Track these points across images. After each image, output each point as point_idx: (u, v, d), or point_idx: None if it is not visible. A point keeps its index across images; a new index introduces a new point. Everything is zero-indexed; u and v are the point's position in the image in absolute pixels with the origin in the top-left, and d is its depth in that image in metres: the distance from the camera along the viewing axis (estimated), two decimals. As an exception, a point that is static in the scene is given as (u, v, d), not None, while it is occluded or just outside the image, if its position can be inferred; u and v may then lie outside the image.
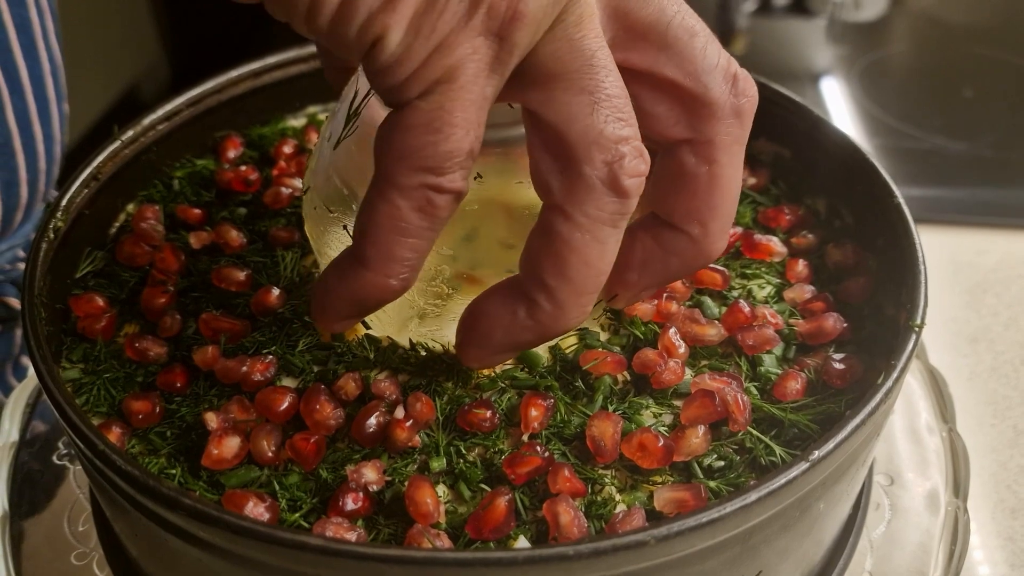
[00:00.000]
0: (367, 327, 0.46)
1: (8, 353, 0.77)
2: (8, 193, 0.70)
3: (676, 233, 0.39)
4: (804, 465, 0.35)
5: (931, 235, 0.85)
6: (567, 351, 0.45)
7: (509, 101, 0.36)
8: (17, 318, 0.77)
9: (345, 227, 0.43)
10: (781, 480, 0.34)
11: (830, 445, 0.35)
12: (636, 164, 0.34)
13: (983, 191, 0.92)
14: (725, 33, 1.28)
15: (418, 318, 0.45)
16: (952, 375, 0.71)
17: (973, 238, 0.85)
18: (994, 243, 0.84)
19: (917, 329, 0.40)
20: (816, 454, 0.35)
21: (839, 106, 1.09)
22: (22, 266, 0.75)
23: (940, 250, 0.83)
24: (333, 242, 0.45)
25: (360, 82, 0.43)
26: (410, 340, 0.45)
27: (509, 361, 0.45)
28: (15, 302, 0.74)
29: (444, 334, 0.45)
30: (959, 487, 0.51)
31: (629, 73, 0.37)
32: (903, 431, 0.55)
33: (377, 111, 0.42)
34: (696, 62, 0.37)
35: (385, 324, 0.45)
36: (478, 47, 0.33)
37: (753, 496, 0.33)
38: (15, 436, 0.55)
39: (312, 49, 0.60)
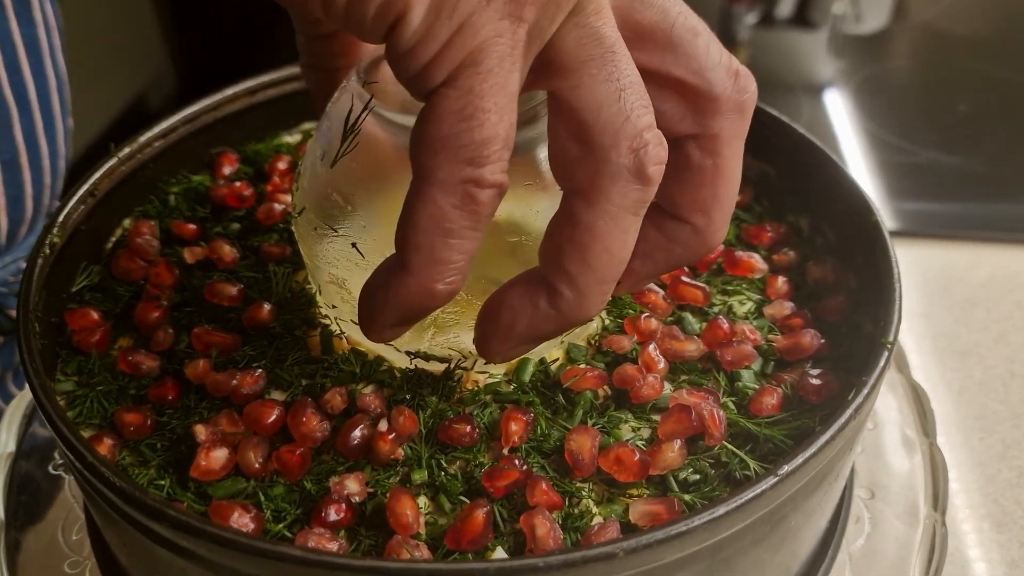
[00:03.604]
0: None
1: (9, 362, 0.78)
2: (14, 208, 0.71)
3: (680, 224, 0.39)
4: (772, 479, 0.35)
5: (924, 249, 0.86)
6: (551, 364, 0.46)
7: (535, 89, 0.36)
8: (8, 349, 0.78)
9: (354, 245, 0.43)
10: (749, 494, 0.35)
11: (799, 460, 0.36)
12: (659, 151, 0.35)
13: (976, 206, 0.92)
14: (727, 45, 1.29)
15: (435, 327, 0.45)
16: (942, 389, 0.71)
17: (965, 252, 0.86)
18: (986, 257, 0.85)
19: (889, 346, 0.41)
20: (785, 469, 0.36)
21: (838, 119, 1.09)
22: None
23: (932, 264, 0.84)
24: (339, 262, 0.45)
25: (355, 97, 0.43)
26: (411, 354, 0.46)
27: (495, 374, 0.46)
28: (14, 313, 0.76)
29: (462, 341, 0.45)
30: (938, 500, 0.51)
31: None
32: (885, 446, 0.55)
33: (374, 123, 0.42)
34: (700, 60, 0.38)
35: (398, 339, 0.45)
36: (502, 30, 0.33)
37: (721, 510, 0.34)
38: (12, 447, 0.56)
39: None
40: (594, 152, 0.35)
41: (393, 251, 0.36)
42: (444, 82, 0.33)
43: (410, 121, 0.37)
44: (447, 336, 0.45)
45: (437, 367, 0.46)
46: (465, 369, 0.46)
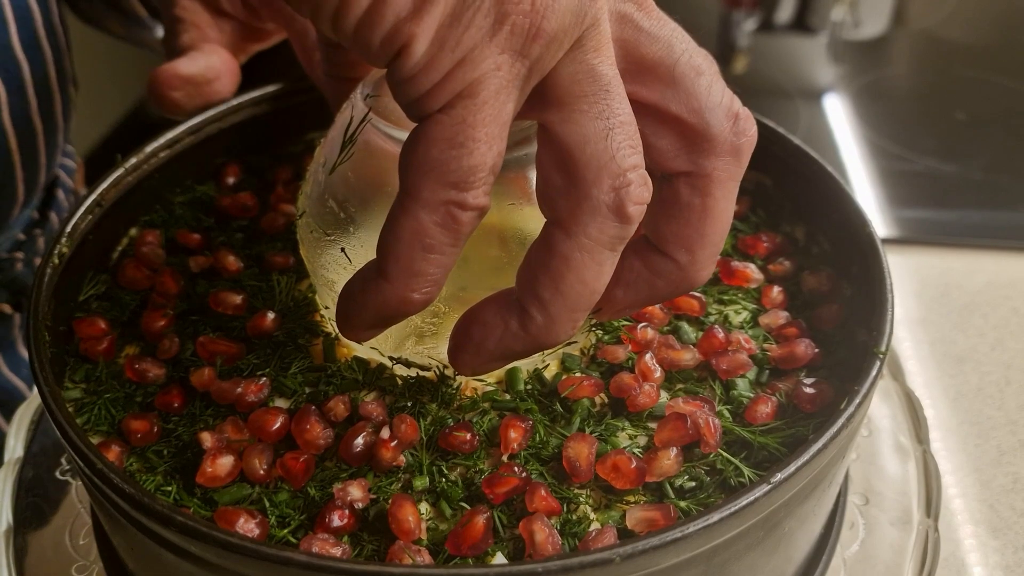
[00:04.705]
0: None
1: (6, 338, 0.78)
2: (2, 193, 0.69)
3: (664, 258, 0.40)
4: (766, 487, 0.36)
5: (922, 256, 0.87)
6: (545, 372, 0.47)
7: (527, 119, 0.37)
8: (9, 321, 0.77)
9: (343, 250, 0.45)
10: (743, 501, 0.36)
11: (792, 468, 0.37)
12: (641, 192, 0.36)
13: (973, 213, 0.93)
14: (727, 51, 1.30)
15: (415, 336, 0.46)
16: (938, 395, 0.72)
17: (963, 259, 0.86)
18: (983, 264, 0.85)
19: (881, 355, 0.42)
20: (778, 476, 0.37)
21: (837, 125, 1.10)
22: (19, 255, 0.75)
23: (930, 271, 0.85)
24: (330, 265, 0.46)
25: (356, 108, 0.44)
26: (393, 359, 0.47)
27: (491, 383, 0.46)
28: (7, 307, 0.75)
29: (440, 351, 0.46)
30: (931, 506, 0.52)
31: (635, 105, 0.38)
32: (879, 452, 0.56)
33: (373, 136, 0.44)
34: (701, 99, 0.38)
35: (381, 342, 0.47)
36: (501, 64, 0.33)
37: (716, 516, 0.35)
38: (20, 452, 0.57)
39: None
40: (576, 186, 0.35)
41: None
42: (440, 109, 0.34)
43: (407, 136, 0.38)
44: (426, 346, 0.46)
45: (432, 373, 0.47)
46: (449, 377, 0.46)
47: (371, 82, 0.45)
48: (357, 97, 0.45)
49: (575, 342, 0.47)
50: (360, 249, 0.44)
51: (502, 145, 0.35)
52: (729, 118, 0.38)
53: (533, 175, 0.42)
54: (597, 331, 0.49)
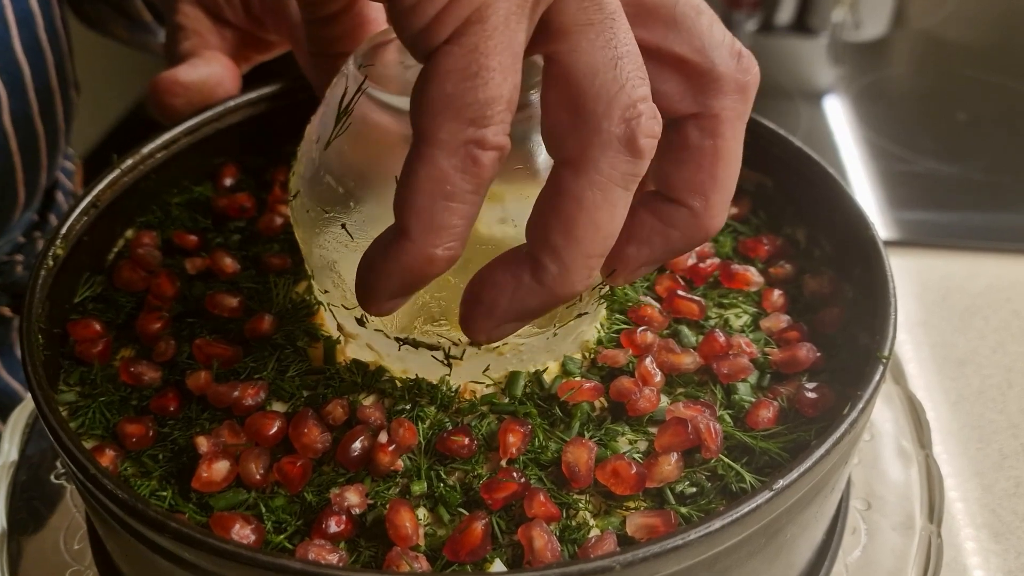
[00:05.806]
0: (362, 324, 0.46)
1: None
2: (3, 195, 0.68)
3: (677, 207, 0.39)
4: (768, 493, 0.36)
5: (922, 258, 0.87)
6: (544, 375, 0.46)
7: (532, 53, 0.35)
8: (8, 324, 0.77)
9: (344, 226, 0.43)
10: (745, 508, 0.35)
11: (794, 474, 0.36)
12: (651, 124, 0.34)
13: (974, 215, 0.93)
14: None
15: (424, 313, 0.45)
16: (939, 398, 0.72)
17: (964, 262, 0.86)
18: (984, 267, 0.85)
19: (884, 361, 0.42)
20: (780, 483, 0.36)
21: (837, 126, 1.10)
22: (19, 257, 0.75)
23: (931, 273, 0.84)
24: (330, 244, 0.45)
25: (349, 79, 0.43)
26: (400, 340, 0.46)
27: (490, 386, 0.46)
28: (6, 310, 0.74)
29: (450, 327, 0.44)
30: (934, 511, 0.52)
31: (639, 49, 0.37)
32: (881, 457, 0.56)
33: (367, 107, 0.43)
34: (703, 38, 0.37)
35: (387, 322, 0.45)
36: None
37: (717, 523, 0.35)
38: (15, 456, 0.56)
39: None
40: (585, 120, 0.34)
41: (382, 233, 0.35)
42: (448, 39, 0.32)
43: (405, 103, 0.36)
44: (437, 323, 0.45)
45: (435, 375, 0.46)
46: (456, 357, 0.45)
47: (362, 53, 0.44)
48: (350, 67, 0.43)
49: (586, 313, 0.46)
50: (362, 224, 0.43)
51: (517, 77, 0.33)
52: (733, 56, 0.38)
53: (535, 138, 0.41)
54: (599, 328, 0.48)
